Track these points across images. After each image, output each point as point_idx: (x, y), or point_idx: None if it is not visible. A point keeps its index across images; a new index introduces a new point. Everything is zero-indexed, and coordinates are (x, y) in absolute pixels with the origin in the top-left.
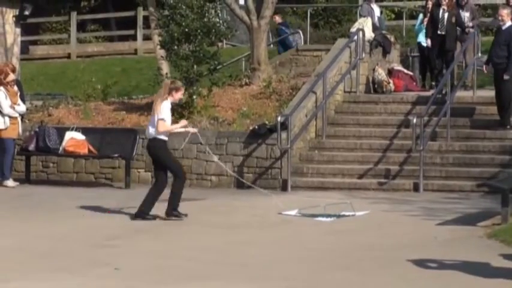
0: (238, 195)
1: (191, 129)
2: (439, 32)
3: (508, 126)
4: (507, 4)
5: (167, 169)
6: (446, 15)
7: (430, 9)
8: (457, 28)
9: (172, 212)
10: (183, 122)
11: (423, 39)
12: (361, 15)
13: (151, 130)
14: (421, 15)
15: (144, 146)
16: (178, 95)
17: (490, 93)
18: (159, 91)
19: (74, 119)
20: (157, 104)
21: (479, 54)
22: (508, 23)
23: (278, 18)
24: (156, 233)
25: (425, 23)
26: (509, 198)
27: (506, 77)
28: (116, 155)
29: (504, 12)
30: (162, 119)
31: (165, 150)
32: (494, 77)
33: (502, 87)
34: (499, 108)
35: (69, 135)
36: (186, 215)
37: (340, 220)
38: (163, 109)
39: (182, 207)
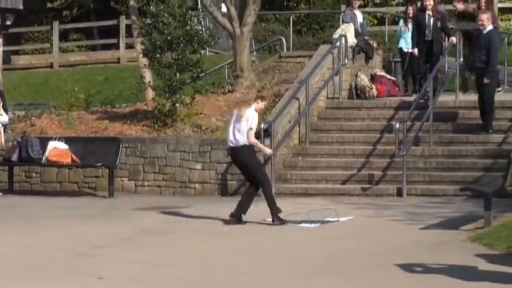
0: (222, 202)
1: (268, 150)
2: (426, 39)
3: (491, 131)
4: (479, 9)
5: (253, 176)
6: (432, 20)
7: (412, 15)
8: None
9: (274, 218)
10: (269, 150)
11: (404, 45)
12: (343, 21)
13: (238, 137)
14: (401, 21)
15: (128, 154)
16: (262, 104)
17: (472, 97)
18: (243, 97)
19: (56, 128)
20: (244, 110)
21: (461, 59)
22: (489, 27)
23: None
24: (142, 241)
25: (403, 28)
26: (492, 202)
27: (486, 80)
28: (99, 164)
29: (484, 16)
30: (252, 129)
31: (254, 157)
32: (476, 82)
33: (484, 92)
34: (482, 113)
35: (52, 144)
36: (286, 222)
37: (324, 226)
38: (254, 118)
39: (168, 214)
